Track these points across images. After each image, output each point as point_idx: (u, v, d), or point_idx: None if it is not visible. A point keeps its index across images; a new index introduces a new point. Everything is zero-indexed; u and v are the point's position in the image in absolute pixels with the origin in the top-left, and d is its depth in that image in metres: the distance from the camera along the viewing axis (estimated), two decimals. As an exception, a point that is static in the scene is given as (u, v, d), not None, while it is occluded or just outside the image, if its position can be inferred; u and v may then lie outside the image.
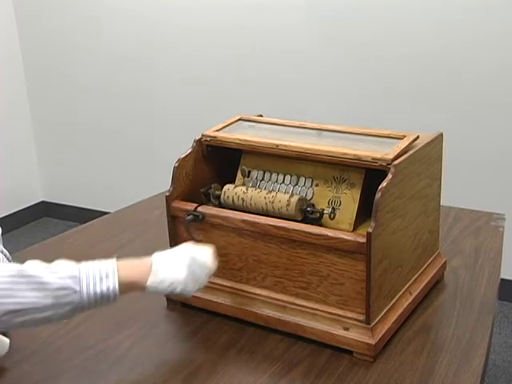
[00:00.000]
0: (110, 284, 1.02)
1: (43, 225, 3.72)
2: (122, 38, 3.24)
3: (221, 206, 1.30)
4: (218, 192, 1.31)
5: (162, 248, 1.23)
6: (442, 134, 1.35)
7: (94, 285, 1.01)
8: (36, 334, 1.24)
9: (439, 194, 1.39)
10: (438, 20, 2.54)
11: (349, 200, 1.22)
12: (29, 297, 0.97)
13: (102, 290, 1.02)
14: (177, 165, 1.29)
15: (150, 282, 1.08)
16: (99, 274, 1.02)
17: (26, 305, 0.97)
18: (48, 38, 3.46)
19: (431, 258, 1.39)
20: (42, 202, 3.81)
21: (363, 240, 1.11)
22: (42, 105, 3.62)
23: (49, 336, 1.25)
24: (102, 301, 1.03)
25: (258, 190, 1.28)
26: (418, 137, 1.25)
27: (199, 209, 1.27)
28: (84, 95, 3.46)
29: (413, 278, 1.30)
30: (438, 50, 2.57)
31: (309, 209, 1.22)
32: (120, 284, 1.03)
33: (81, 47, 3.38)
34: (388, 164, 1.15)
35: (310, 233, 1.16)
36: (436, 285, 1.40)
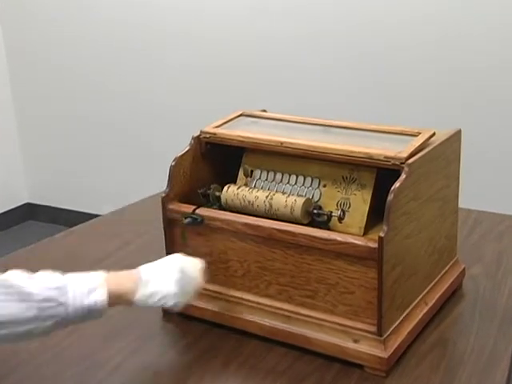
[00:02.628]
0: (99, 297, 1.04)
1: (28, 228, 3.73)
2: (116, 27, 3.25)
3: (221, 208, 1.31)
4: (217, 193, 1.32)
5: (157, 253, 1.24)
6: (460, 131, 1.35)
7: (81, 297, 1.03)
8: (22, 347, 1.24)
9: (457, 195, 1.40)
10: (452, 6, 2.54)
11: (359, 202, 1.23)
12: (10, 308, 0.98)
13: (89, 303, 1.03)
14: (173, 164, 1.30)
15: (140, 295, 1.11)
16: (87, 287, 1.04)
17: (7, 316, 0.98)
18: (32, 28, 3.47)
19: (448, 265, 1.39)
20: (27, 204, 3.83)
21: (374, 245, 1.11)
22: (27, 99, 3.63)
23: (35, 349, 1.25)
24: (88, 315, 1.05)
25: (261, 190, 1.29)
26: (434, 133, 1.26)
27: (198, 211, 1.28)
28: (72, 90, 3.47)
29: (428, 287, 1.31)
30: (454, 38, 2.57)
31: (316, 211, 1.23)
32: (108, 297, 1.06)
33: (69, 36, 3.39)
34: (401, 163, 1.15)
35: (317, 237, 1.17)
36: (454, 294, 1.41)
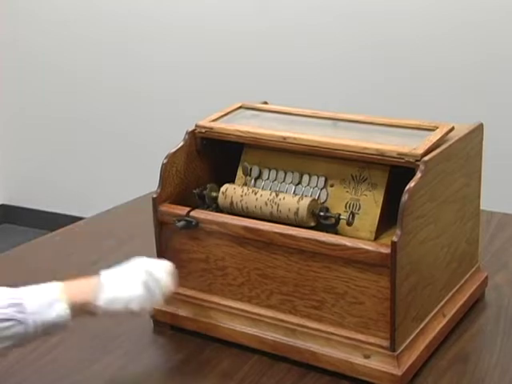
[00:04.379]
0: (60, 310, 1.04)
1: (3, 233, 3.73)
2: (102, 16, 3.26)
3: (218, 210, 1.32)
4: (214, 193, 1.33)
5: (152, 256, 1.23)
6: (481, 125, 1.36)
7: (41, 313, 1.02)
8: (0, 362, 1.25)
9: (479, 195, 1.40)
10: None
11: (370, 203, 1.24)
12: None
13: (51, 318, 1.03)
14: (165, 161, 1.31)
15: (102, 300, 1.10)
16: (46, 300, 1.04)
17: None
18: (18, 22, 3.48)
19: (469, 273, 1.40)
20: (2, 206, 3.83)
21: (387, 251, 1.12)
22: (1, 98, 3.63)
23: (13, 364, 1.26)
24: (50, 330, 1.05)
25: (262, 190, 1.29)
26: (452, 128, 1.26)
27: (192, 213, 1.29)
28: (51, 88, 3.46)
29: (447, 297, 1.31)
30: (475, 28, 2.57)
31: (322, 213, 1.24)
32: (70, 308, 1.05)
33: (46, 29, 3.38)
34: (417, 160, 1.16)
35: (323, 242, 1.18)
36: (475, 305, 1.41)
